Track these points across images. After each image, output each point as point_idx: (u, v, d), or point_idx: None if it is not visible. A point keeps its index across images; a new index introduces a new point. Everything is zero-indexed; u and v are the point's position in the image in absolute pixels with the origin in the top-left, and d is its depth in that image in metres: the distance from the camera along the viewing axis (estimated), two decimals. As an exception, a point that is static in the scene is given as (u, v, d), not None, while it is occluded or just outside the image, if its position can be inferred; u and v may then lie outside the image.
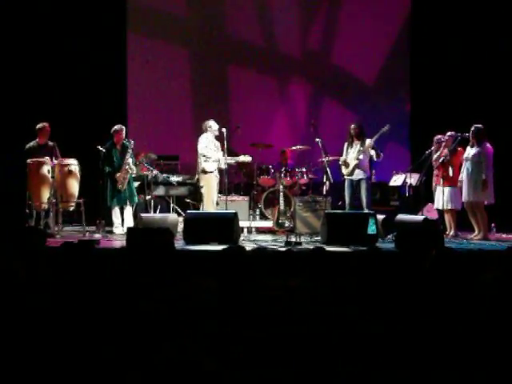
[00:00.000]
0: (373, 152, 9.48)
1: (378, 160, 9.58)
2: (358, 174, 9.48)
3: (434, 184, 9.58)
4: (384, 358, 2.38)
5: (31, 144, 9.50)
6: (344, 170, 9.62)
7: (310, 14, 12.41)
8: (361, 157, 9.45)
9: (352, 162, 9.50)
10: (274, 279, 3.78)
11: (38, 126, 9.52)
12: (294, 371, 2.17)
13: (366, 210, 9.19)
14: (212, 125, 9.84)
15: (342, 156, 9.65)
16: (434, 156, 9.37)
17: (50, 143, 9.45)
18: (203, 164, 9.70)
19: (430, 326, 2.69)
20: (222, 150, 9.66)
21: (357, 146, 9.54)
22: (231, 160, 9.92)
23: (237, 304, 2.98)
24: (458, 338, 2.57)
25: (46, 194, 9.19)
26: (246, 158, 10.05)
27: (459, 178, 9.14)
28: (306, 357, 2.34)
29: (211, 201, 9.69)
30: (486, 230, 9.03)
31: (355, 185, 9.51)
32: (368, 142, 9.45)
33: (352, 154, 9.54)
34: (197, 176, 9.95)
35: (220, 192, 9.89)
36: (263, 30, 12.36)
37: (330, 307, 3.04)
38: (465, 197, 9.04)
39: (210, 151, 9.72)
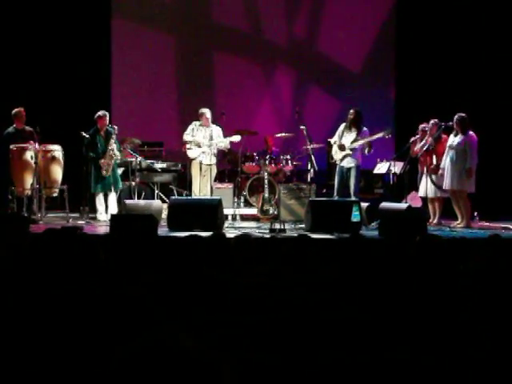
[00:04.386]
0: (366, 147, 9.43)
1: (367, 154, 9.53)
2: (350, 162, 9.39)
3: (419, 172, 9.59)
4: (368, 343, 2.40)
5: (9, 130, 9.40)
6: (334, 154, 9.55)
7: (296, 1, 12.38)
8: (356, 146, 9.37)
9: (346, 151, 9.41)
10: (257, 266, 3.79)
11: (14, 111, 9.39)
12: (279, 356, 2.19)
13: (353, 198, 9.18)
14: (201, 112, 9.80)
15: (332, 137, 9.57)
16: (419, 144, 9.39)
17: (28, 128, 9.38)
18: (187, 151, 9.71)
19: (414, 312, 2.71)
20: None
21: (353, 132, 9.44)
22: (221, 143, 9.86)
23: (221, 290, 2.99)
24: (441, 323, 2.59)
25: (29, 179, 9.13)
26: (236, 138, 9.94)
27: (441, 166, 9.16)
28: (291, 342, 2.35)
29: (193, 188, 9.73)
30: (468, 218, 9.08)
31: (345, 172, 9.47)
32: (367, 139, 9.32)
33: (347, 142, 9.45)
34: None
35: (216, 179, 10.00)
36: (249, 16, 12.30)
37: (314, 294, 3.05)
38: (448, 185, 9.05)
39: (189, 137, 9.72)
